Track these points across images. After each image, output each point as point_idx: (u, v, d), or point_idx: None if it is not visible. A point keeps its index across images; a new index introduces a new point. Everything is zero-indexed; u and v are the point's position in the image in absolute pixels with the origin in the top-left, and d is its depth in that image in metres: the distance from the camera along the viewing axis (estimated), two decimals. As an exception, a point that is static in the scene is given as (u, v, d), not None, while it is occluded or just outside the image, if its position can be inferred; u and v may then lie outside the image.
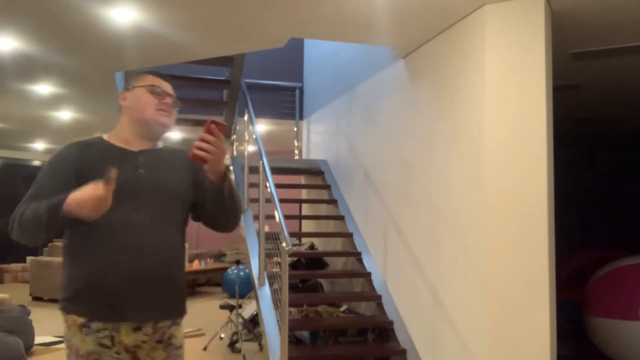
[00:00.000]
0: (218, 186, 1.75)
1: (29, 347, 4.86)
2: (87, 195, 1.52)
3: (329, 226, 5.98)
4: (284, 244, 3.62)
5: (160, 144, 1.90)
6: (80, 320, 1.67)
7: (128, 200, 1.69)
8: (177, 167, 1.84)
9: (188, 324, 6.49)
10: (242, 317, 5.63)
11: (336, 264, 5.69)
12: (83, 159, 1.72)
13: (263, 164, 4.45)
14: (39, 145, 10.01)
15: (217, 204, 1.80)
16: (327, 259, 5.65)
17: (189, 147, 1.79)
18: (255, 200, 4.92)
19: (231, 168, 5.94)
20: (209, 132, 1.61)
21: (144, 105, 1.78)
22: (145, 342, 1.72)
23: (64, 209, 1.55)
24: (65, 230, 1.69)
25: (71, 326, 1.68)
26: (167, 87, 1.83)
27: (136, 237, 1.69)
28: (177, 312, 1.80)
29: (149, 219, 1.71)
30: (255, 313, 5.56)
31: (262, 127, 7.82)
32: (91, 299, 1.66)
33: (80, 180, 1.65)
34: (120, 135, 1.82)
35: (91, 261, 1.67)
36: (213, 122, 1.61)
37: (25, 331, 4.82)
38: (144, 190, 1.73)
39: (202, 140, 1.62)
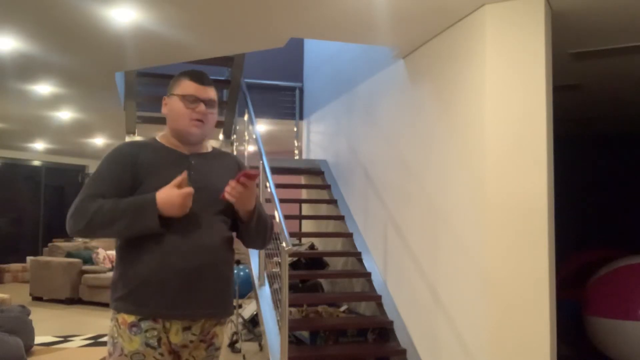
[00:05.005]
0: (245, 222, 1.85)
1: (29, 347, 4.86)
2: (175, 194, 1.66)
3: (329, 226, 5.98)
4: (284, 244, 3.62)
5: (209, 147, 1.96)
6: (131, 319, 1.71)
7: None
8: (225, 172, 1.89)
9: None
10: (242, 317, 5.63)
11: (336, 264, 5.69)
12: (139, 159, 1.78)
13: (263, 164, 4.45)
14: (39, 145, 10.01)
15: (244, 233, 1.90)
16: (327, 259, 5.65)
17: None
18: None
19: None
20: (240, 182, 1.73)
21: (177, 116, 1.82)
22: (192, 342, 1.77)
23: (157, 208, 1.66)
24: (143, 231, 1.71)
25: (120, 325, 1.72)
26: (201, 91, 1.83)
27: (189, 237, 1.73)
28: (226, 311, 1.84)
29: (201, 220, 1.76)
30: (255, 313, 5.56)
31: (262, 127, 7.82)
32: (145, 297, 1.70)
33: (136, 179, 1.74)
34: (169, 138, 1.88)
35: (146, 261, 1.71)
36: (245, 174, 1.71)
37: (25, 331, 4.82)
38: (195, 192, 1.76)
39: (232, 187, 1.72)
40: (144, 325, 1.70)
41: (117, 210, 1.67)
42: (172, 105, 1.84)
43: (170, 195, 1.66)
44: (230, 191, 1.72)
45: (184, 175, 1.69)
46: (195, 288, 1.73)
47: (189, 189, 1.68)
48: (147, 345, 1.70)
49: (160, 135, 1.90)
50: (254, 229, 1.87)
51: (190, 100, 1.81)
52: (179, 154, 1.85)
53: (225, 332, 5.82)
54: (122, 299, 1.73)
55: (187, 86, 1.82)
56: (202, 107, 1.81)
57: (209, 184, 1.82)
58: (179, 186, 1.69)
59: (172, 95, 1.84)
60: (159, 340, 1.72)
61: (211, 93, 1.85)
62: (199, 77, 1.83)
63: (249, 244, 1.96)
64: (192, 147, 1.88)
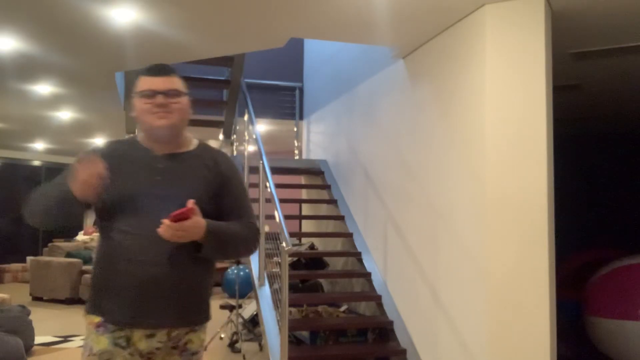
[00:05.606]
0: (201, 247, 1.71)
1: (29, 347, 4.86)
2: (77, 168, 1.57)
3: (329, 226, 5.98)
4: (284, 244, 3.62)
5: (193, 143, 1.85)
6: (97, 319, 1.70)
7: (142, 206, 1.69)
8: (197, 175, 1.78)
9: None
10: (242, 317, 5.63)
11: (336, 264, 5.69)
12: (107, 155, 1.73)
13: (263, 164, 4.45)
14: (39, 145, 10.01)
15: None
16: (327, 259, 5.65)
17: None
18: (255, 200, 4.92)
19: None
20: (170, 226, 1.60)
21: (140, 115, 1.75)
22: (159, 349, 1.72)
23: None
24: (77, 212, 1.67)
25: (89, 325, 1.72)
26: (157, 83, 1.73)
27: (149, 245, 1.67)
28: (193, 320, 1.76)
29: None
30: (255, 313, 5.56)
31: (262, 127, 7.82)
32: (106, 304, 1.69)
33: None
34: (145, 139, 1.83)
35: (108, 266, 1.70)
36: (172, 217, 1.58)
37: (25, 331, 4.82)
38: (159, 197, 1.71)
39: (163, 230, 1.60)
40: (111, 326, 1.69)
41: (48, 187, 1.68)
42: (135, 105, 1.76)
43: (74, 171, 1.58)
44: (163, 233, 1.59)
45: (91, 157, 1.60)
46: (154, 297, 1.67)
47: (83, 164, 1.57)
48: (116, 344, 1.68)
49: (141, 134, 1.84)
50: (214, 251, 1.72)
51: (147, 95, 1.72)
52: (151, 155, 1.77)
53: (225, 332, 5.83)
54: (90, 301, 1.74)
55: (142, 82, 1.75)
56: (159, 98, 1.71)
57: (175, 189, 1.72)
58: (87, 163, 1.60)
59: (134, 95, 1.77)
60: (128, 340, 1.69)
61: (170, 83, 1.73)
62: (152, 70, 1.75)
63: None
64: (166, 145, 1.78)
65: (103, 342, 1.68)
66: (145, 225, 1.67)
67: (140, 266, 1.66)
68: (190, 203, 1.60)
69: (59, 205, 1.64)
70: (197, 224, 1.62)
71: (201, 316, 1.78)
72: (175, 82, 1.76)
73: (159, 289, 1.67)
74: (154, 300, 1.67)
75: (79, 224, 1.78)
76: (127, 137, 1.86)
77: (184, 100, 1.77)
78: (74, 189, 1.59)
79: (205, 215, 1.68)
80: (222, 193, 1.80)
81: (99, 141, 9.39)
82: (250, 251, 1.84)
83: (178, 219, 1.58)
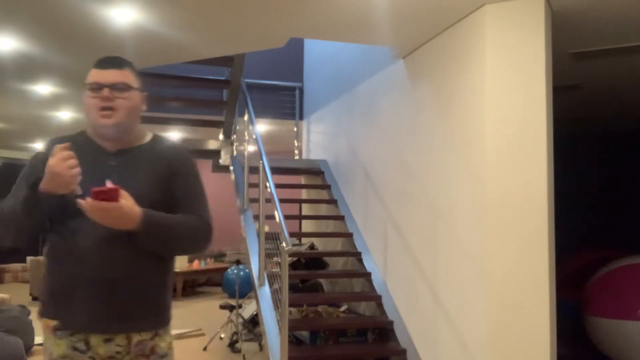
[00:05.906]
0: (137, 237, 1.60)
1: (29, 347, 4.86)
2: (52, 163, 1.49)
3: (329, 226, 5.98)
4: (284, 244, 3.62)
5: (147, 137, 1.77)
6: (53, 323, 1.63)
7: None
8: (147, 169, 1.69)
9: (188, 323, 6.49)
10: (242, 317, 5.63)
11: (336, 264, 5.69)
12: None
13: (263, 164, 4.45)
14: (39, 145, 10.02)
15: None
16: (327, 259, 5.65)
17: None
18: (255, 200, 4.92)
19: (231, 168, 5.95)
20: (94, 205, 1.50)
21: (86, 109, 1.66)
22: (119, 353, 1.64)
23: (40, 188, 1.53)
24: (43, 223, 1.62)
25: (45, 329, 1.65)
26: (104, 76, 1.62)
27: (98, 247, 1.59)
28: (152, 324, 1.67)
29: (113, 228, 1.55)
30: (255, 313, 5.56)
31: (262, 127, 7.82)
32: (58, 308, 1.62)
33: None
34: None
35: (58, 269, 1.63)
36: (94, 193, 1.48)
37: (25, 331, 4.82)
38: None
39: (87, 210, 1.50)
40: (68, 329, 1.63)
41: (15, 202, 1.61)
42: (84, 100, 1.66)
43: (49, 168, 1.50)
44: (85, 209, 1.48)
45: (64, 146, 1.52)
46: (105, 301, 1.59)
47: (62, 154, 1.49)
48: (75, 349, 1.61)
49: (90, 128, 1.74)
50: (152, 242, 1.62)
51: (94, 88, 1.62)
52: (102, 150, 1.68)
53: (225, 332, 5.83)
54: (43, 304, 1.66)
55: (90, 75, 1.64)
56: (104, 91, 1.61)
57: (127, 186, 1.60)
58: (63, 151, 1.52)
59: (83, 89, 1.67)
60: (87, 344, 1.61)
61: (119, 76, 1.63)
62: (101, 62, 1.65)
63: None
64: (116, 142, 1.69)
65: (62, 346, 1.61)
66: (95, 225, 1.54)
67: (91, 267, 1.58)
68: (109, 183, 1.50)
69: (28, 211, 1.57)
70: (127, 209, 1.51)
71: (159, 319, 1.70)
72: (126, 76, 1.66)
73: (110, 293, 1.59)
74: (105, 304, 1.59)
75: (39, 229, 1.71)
76: (74, 133, 1.77)
77: (134, 95, 1.67)
78: (48, 187, 1.52)
79: (156, 209, 1.61)
80: (172, 186, 1.71)
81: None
82: (198, 247, 1.71)
83: (99, 197, 1.47)
